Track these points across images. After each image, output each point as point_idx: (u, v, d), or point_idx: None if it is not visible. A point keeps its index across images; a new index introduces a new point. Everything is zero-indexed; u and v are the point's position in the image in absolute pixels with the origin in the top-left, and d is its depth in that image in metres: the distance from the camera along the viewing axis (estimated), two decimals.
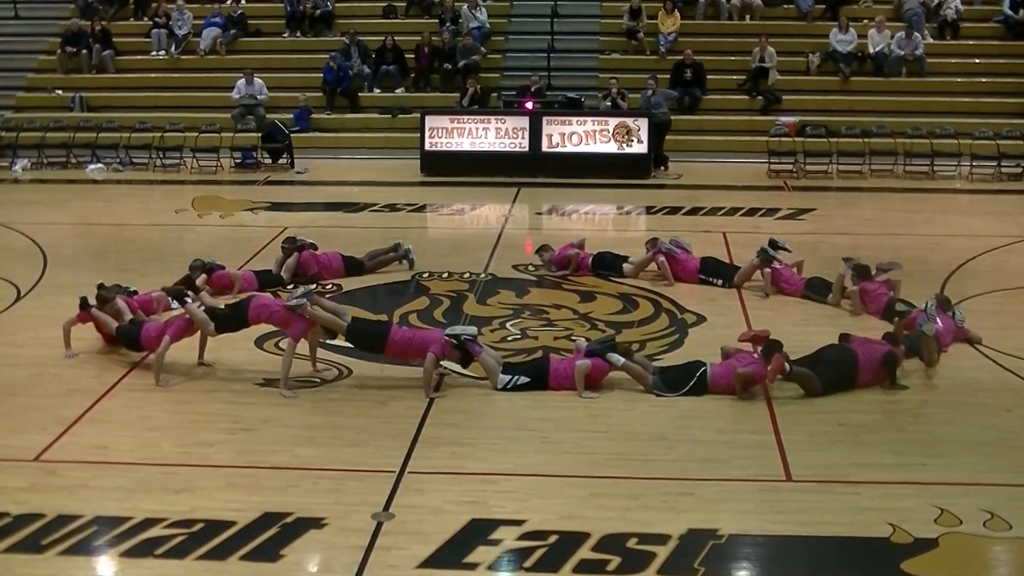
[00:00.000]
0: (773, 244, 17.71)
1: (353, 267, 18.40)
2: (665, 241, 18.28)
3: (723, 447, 12.38)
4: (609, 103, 28.00)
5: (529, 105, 27.28)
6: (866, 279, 16.68)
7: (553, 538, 10.40)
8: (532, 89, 28.42)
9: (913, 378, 14.28)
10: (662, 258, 18.05)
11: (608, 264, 18.57)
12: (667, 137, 27.40)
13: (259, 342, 15.27)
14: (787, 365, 13.64)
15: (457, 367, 14.43)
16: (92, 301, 15.33)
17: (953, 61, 30.49)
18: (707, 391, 13.69)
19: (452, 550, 10.23)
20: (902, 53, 29.73)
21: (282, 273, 18.00)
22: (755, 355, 14.01)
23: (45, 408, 13.33)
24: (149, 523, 10.61)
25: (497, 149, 26.54)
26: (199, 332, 14.49)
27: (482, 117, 27.08)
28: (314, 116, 29.83)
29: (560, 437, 12.63)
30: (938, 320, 14.94)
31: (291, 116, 29.40)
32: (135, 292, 16.52)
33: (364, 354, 14.48)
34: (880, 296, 16.43)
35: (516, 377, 13.91)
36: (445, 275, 18.50)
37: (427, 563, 10.02)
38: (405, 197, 24.34)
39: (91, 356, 15.08)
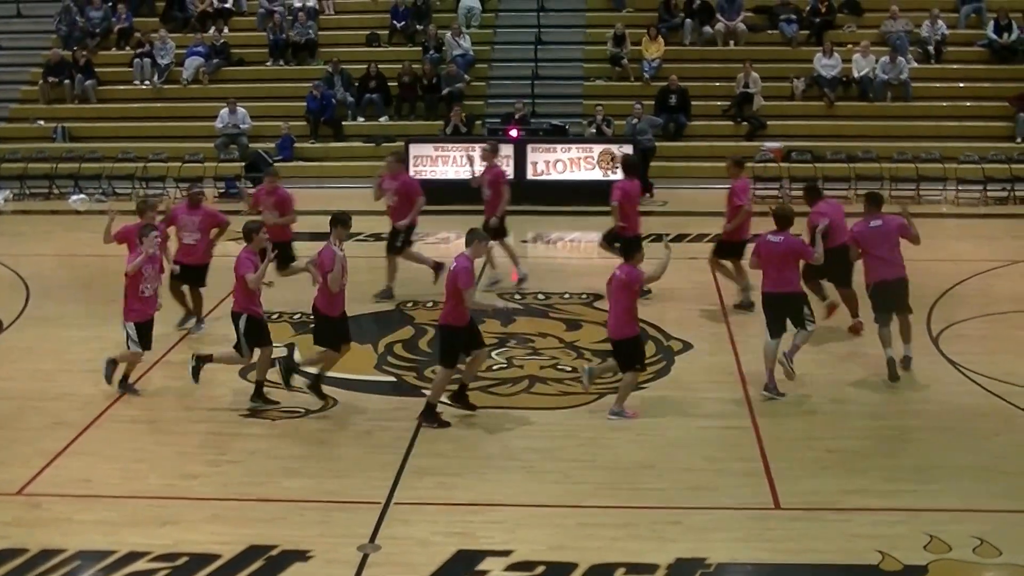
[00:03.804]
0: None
1: None
2: None
3: (711, 475, 12.33)
4: (594, 130, 28.00)
5: (514, 133, 27.22)
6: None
7: (540, 569, 10.35)
8: (516, 116, 28.41)
9: (902, 404, 14.27)
10: None
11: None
12: (652, 164, 27.39)
13: (243, 372, 15.17)
14: None
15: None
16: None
17: (938, 85, 30.56)
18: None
19: None
20: (887, 77, 29.80)
21: None
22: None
23: (29, 441, 13.22)
24: (133, 557, 10.53)
25: None
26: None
27: (467, 145, 27.01)
28: (297, 145, 29.76)
29: (547, 467, 12.57)
30: None
31: (274, 145, 29.34)
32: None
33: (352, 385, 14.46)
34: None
35: None
36: (430, 304, 18.42)
37: None
38: (390, 226, 24.18)
39: (77, 387, 14.97)
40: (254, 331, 14.22)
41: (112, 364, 14.58)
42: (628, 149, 26.42)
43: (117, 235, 15.63)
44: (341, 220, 14.31)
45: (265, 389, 14.31)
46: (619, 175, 19.37)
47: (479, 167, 20.00)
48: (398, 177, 19.19)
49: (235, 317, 14.25)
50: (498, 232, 19.05)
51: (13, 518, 11.37)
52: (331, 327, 14.22)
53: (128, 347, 14.58)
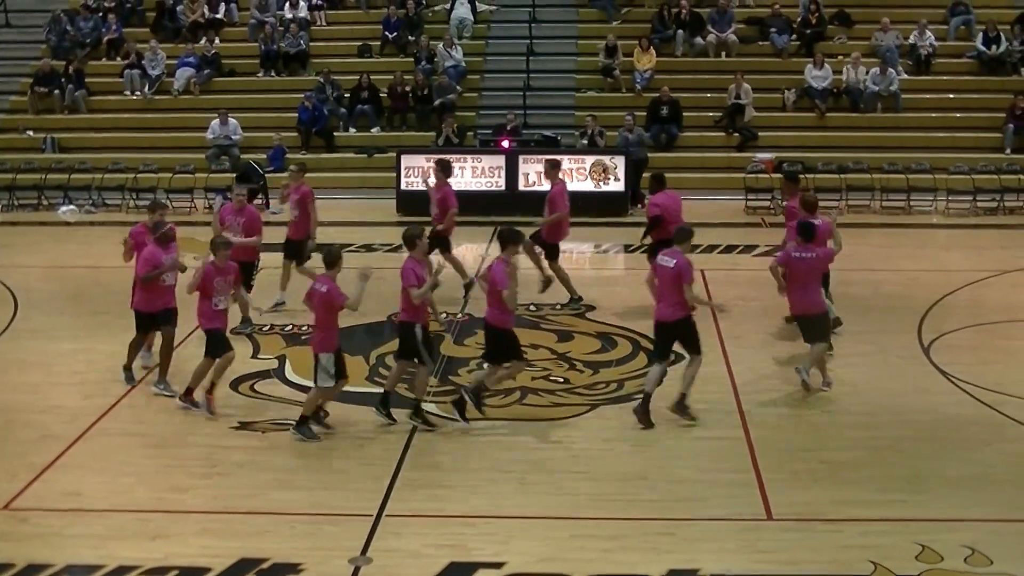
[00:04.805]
0: None
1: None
2: None
3: (704, 486, 12.31)
4: (586, 141, 28.00)
5: (505, 144, 27.23)
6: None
7: None
8: (508, 127, 28.39)
9: (893, 414, 14.26)
10: None
11: None
12: (644, 175, 27.38)
13: (234, 385, 15.12)
14: None
15: (434, 407, 14.36)
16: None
17: (928, 96, 30.64)
18: None
19: None
20: (877, 89, 29.85)
21: None
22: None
23: (16, 455, 13.15)
24: (122, 571, 10.47)
25: (474, 188, 26.40)
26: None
27: (458, 156, 26.96)
28: (289, 156, 29.61)
29: (539, 478, 12.53)
30: None
31: (265, 156, 29.28)
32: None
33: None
34: None
35: None
36: None
37: None
38: (381, 237, 24.19)
39: (65, 399, 14.92)
40: (428, 341, 13.96)
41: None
42: (620, 160, 26.51)
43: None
44: (513, 238, 14.14)
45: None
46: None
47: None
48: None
49: (406, 328, 13.84)
50: (301, 255, 18.76)
51: (0, 532, 11.31)
52: (509, 341, 14.16)
53: (318, 383, 13.62)
